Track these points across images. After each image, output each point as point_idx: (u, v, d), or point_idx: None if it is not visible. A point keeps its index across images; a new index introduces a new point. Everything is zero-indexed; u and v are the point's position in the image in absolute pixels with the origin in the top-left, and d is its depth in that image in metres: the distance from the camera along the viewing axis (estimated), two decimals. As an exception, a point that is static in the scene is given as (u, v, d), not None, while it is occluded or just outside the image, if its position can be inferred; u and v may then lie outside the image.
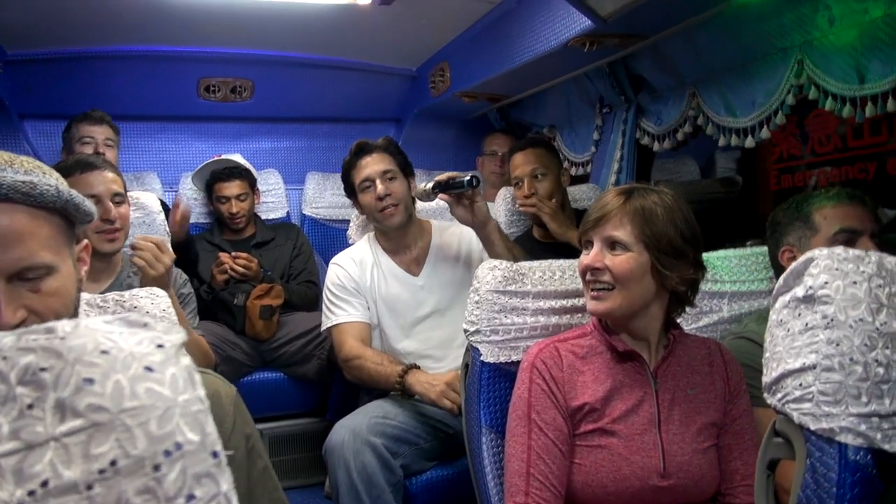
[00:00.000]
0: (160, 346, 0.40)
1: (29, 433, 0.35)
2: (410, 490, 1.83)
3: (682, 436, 1.25)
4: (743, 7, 1.89)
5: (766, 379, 0.83)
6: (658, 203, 1.26)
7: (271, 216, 3.24)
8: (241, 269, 2.66)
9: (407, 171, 2.09)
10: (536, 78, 2.70)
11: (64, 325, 0.38)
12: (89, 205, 1.03)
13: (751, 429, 1.30)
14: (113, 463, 0.35)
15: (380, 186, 2.00)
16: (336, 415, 2.42)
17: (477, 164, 3.36)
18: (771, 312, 0.84)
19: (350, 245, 2.28)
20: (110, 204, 1.76)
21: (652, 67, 2.37)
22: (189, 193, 3.12)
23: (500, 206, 2.60)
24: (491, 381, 1.53)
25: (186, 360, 0.41)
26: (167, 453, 0.37)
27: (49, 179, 0.96)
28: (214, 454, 0.39)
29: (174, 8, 2.44)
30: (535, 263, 1.61)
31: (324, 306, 2.08)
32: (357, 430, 1.73)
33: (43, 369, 0.36)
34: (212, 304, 2.64)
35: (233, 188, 2.87)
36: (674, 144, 2.41)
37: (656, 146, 2.47)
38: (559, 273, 1.61)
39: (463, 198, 1.89)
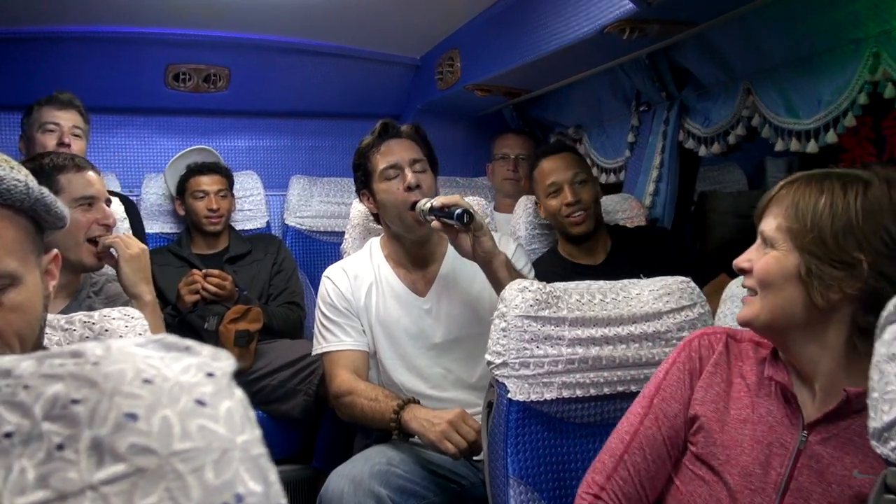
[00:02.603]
0: (210, 374, 0.38)
1: (60, 480, 0.33)
2: (417, 552, 1.80)
3: None
4: (809, -8, 1.91)
5: (875, 424, 0.80)
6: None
7: (248, 226, 3.22)
8: (212, 289, 2.63)
9: (434, 167, 2.03)
10: (562, 70, 2.71)
11: (93, 348, 0.37)
12: (62, 206, 1.02)
13: None
14: (163, 519, 0.33)
15: (410, 175, 1.91)
16: (324, 462, 2.40)
17: (487, 172, 3.36)
18: (878, 344, 0.82)
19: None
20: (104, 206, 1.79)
21: (699, 59, 2.38)
22: (153, 199, 3.10)
23: (521, 218, 2.60)
24: (520, 423, 1.51)
25: (240, 392, 0.39)
26: (226, 507, 0.35)
27: (17, 174, 0.95)
28: (279, 508, 0.37)
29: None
30: (572, 285, 1.60)
31: (315, 328, 2.04)
32: (358, 480, 1.69)
33: (75, 401, 0.34)
34: (178, 329, 2.60)
35: (213, 183, 2.88)
36: (724, 149, 2.41)
37: (703, 150, 2.47)
38: (599, 296, 1.59)
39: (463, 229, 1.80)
